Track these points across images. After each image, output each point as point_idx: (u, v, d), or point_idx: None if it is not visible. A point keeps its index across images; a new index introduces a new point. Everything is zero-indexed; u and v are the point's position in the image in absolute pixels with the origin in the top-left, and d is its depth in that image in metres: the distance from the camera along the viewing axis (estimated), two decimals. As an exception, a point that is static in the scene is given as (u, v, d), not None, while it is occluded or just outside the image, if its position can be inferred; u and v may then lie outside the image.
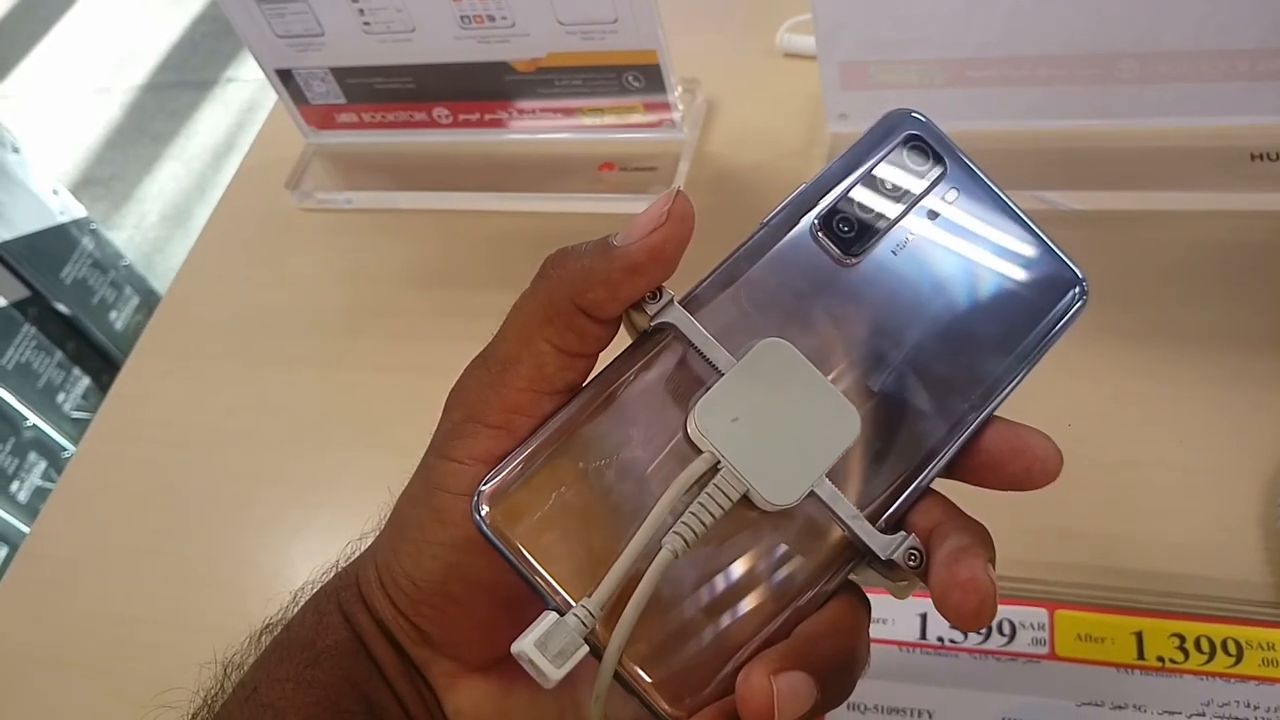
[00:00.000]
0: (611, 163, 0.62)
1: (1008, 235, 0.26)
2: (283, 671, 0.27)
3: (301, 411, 0.58)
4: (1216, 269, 0.50)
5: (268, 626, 0.30)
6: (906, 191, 0.26)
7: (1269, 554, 0.41)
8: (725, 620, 0.24)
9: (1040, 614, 0.40)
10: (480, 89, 0.62)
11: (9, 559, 1.12)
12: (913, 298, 0.25)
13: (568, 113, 0.62)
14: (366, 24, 0.59)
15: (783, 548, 0.24)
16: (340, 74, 0.63)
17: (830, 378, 0.24)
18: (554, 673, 0.22)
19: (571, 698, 0.28)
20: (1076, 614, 0.39)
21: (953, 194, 0.26)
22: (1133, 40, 0.50)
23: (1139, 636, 0.39)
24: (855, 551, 0.24)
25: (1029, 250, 0.26)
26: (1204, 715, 0.37)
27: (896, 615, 0.40)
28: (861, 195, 0.26)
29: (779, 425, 0.24)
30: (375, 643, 0.27)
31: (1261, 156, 0.52)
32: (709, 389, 0.24)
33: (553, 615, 0.23)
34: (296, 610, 0.29)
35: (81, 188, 1.86)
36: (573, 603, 0.23)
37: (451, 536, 0.25)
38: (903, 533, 0.24)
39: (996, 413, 0.25)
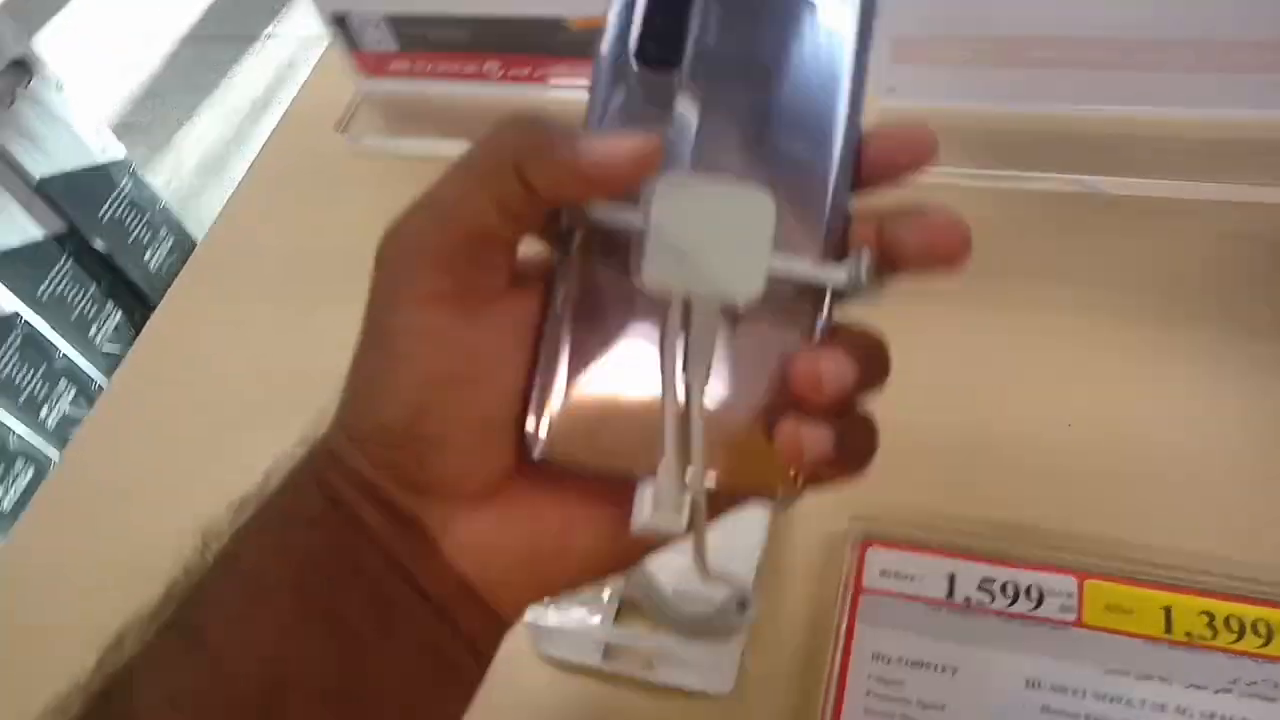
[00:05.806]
0: (660, 123, 0.62)
1: None
2: (264, 540, 0.27)
3: (337, 356, 0.58)
4: (1253, 260, 0.50)
5: (243, 502, 0.28)
6: None
7: (1302, 540, 0.41)
8: (765, 409, 0.26)
9: (1069, 582, 0.40)
10: (533, 44, 0.62)
11: (36, 480, 1.14)
12: (744, 71, 0.27)
13: (619, 70, 0.62)
14: (427, -32, 0.59)
15: (775, 331, 0.26)
16: (395, 22, 0.64)
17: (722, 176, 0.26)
18: (680, 522, 0.25)
19: (563, 514, 0.27)
20: (1106, 584, 0.40)
21: None
22: (1189, 27, 0.50)
23: (1168, 611, 0.39)
24: (829, 295, 0.26)
25: None
26: (1231, 691, 0.37)
27: (925, 574, 0.41)
28: (649, 15, 0.27)
29: (713, 238, 0.26)
30: (358, 505, 0.27)
31: (1311, 151, 0.52)
32: (642, 247, 0.26)
33: (648, 484, 0.25)
34: (272, 485, 0.28)
35: (120, 131, 1.87)
36: (650, 474, 0.25)
37: (412, 376, 0.25)
38: (853, 252, 0.26)
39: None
